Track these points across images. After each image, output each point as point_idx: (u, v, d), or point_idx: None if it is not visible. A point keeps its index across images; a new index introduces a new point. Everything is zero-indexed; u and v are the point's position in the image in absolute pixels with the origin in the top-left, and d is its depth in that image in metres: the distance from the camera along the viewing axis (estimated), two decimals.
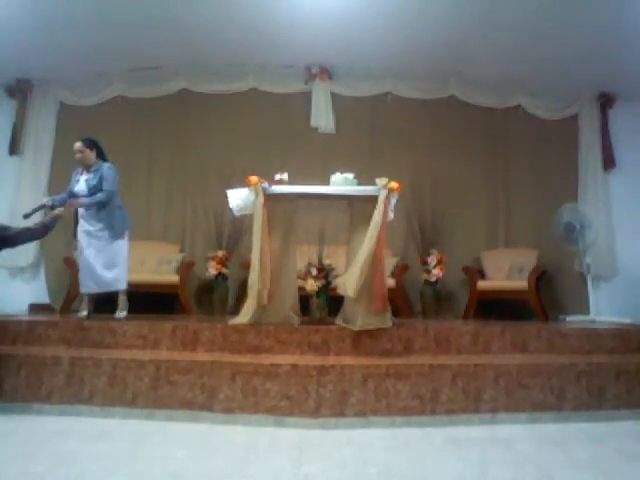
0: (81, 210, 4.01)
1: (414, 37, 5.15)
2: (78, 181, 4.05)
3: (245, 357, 3.12)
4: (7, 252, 5.49)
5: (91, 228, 3.98)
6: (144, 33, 5.14)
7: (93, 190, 3.97)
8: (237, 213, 3.66)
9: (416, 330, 3.46)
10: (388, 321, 3.41)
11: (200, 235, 5.91)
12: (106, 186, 3.99)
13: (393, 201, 3.50)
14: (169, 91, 6.08)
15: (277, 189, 3.60)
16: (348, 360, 3.12)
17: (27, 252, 5.73)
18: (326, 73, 5.99)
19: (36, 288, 5.71)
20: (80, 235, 4.00)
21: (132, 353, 3.20)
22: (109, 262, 3.98)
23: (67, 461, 2.14)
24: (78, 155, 4.04)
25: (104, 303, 4.27)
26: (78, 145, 4.04)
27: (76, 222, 4.04)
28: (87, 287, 4.00)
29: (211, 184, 5.85)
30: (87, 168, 4.07)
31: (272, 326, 3.37)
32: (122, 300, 4.12)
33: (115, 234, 4.02)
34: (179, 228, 5.96)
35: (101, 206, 3.99)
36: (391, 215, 3.46)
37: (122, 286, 4.07)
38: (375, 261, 3.30)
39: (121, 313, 4.07)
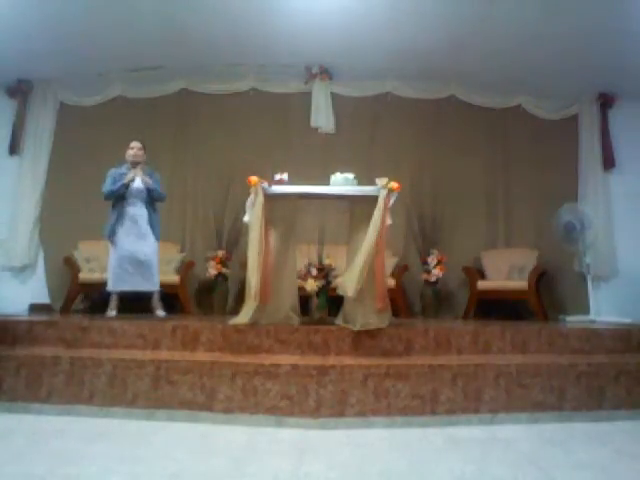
0: (131, 210, 4.13)
1: (414, 37, 5.15)
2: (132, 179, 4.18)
3: (245, 357, 3.12)
4: (7, 252, 5.51)
5: (140, 228, 4.11)
6: (144, 33, 5.14)
7: (149, 190, 4.21)
8: (246, 219, 3.64)
9: (416, 330, 3.46)
10: (386, 320, 3.41)
11: (200, 235, 5.91)
12: (163, 190, 4.31)
13: (392, 200, 3.49)
14: (169, 91, 6.09)
15: (277, 189, 3.59)
16: (348, 360, 3.11)
17: (27, 252, 5.74)
18: (326, 73, 5.99)
19: (36, 288, 5.70)
20: (125, 235, 4.07)
21: (132, 353, 3.20)
22: (150, 263, 4.12)
23: (67, 461, 2.14)
24: (139, 152, 4.23)
25: (104, 303, 4.27)
26: (139, 144, 4.25)
27: (117, 219, 4.10)
28: (124, 285, 4.08)
29: (211, 184, 5.86)
30: (135, 167, 4.22)
31: (272, 326, 3.36)
32: (157, 300, 4.32)
33: (157, 237, 4.22)
34: (179, 228, 5.95)
35: (153, 204, 4.24)
36: (389, 220, 3.46)
37: (157, 287, 4.24)
38: (377, 260, 3.30)
39: (112, 312, 4.14)
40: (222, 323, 3.49)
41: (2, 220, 5.77)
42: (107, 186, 4.12)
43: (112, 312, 4.13)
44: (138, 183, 4.16)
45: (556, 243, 5.48)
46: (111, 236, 4.09)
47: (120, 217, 4.10)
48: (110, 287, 4.13)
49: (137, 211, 4.13)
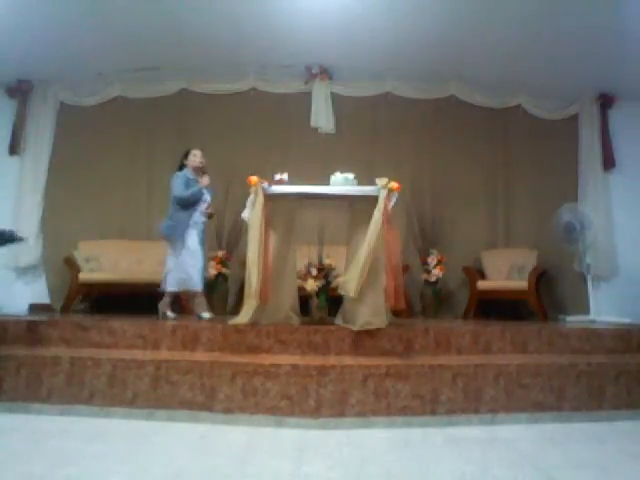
0: (200, 218, 4.27)
1: (414, 37, 5.15)
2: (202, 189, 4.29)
3: (245, 357, 3.12)
4: (8, 252, 5.52)
5: (202, 235, 4.29)
6: (144, 33, 5.14)
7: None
8: (244, 215, 3.64)
9: (416, 330, 3.46)
10: (386, 320, 3.41)
11: None
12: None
13: (393, 201, 3.50)
14: (169, 91, 6.08)
15: (277, 189, 3.60)
16: (348, 360, 3.11)
17: (28, 252, 5.73)
18: (326, 73, 5.99)
19: (36, 288, 5.70)
20: (191, 241, 4.16)
21: (132, 353, 3.20)
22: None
23: (67, 461, 2.14)
24: (203, 159, 4.36)
25: (104, 303, 4.27)
26: (200, 151, 4.37)
27: (186, 224, 4.19)
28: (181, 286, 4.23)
29: (211, 184, 5.84)
30: (196, 175, 4.32)
31: (272, 326, 3.37)
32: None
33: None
34: None
35: None
36: None
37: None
38: (387, 259, 3.30)
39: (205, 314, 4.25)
40: (222, 323, 3.49)
41: (4, 221, 5.76)
42: (181, 190, 4.16)
43: (170, 314, 4.24)
44: (206, 194, 4.31)
45: (556, 243, 5.48)
46: (179, 237, 4.14)
47: (188, 222, 4.18)
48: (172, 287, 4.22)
49: (202, 219, 4.29)
